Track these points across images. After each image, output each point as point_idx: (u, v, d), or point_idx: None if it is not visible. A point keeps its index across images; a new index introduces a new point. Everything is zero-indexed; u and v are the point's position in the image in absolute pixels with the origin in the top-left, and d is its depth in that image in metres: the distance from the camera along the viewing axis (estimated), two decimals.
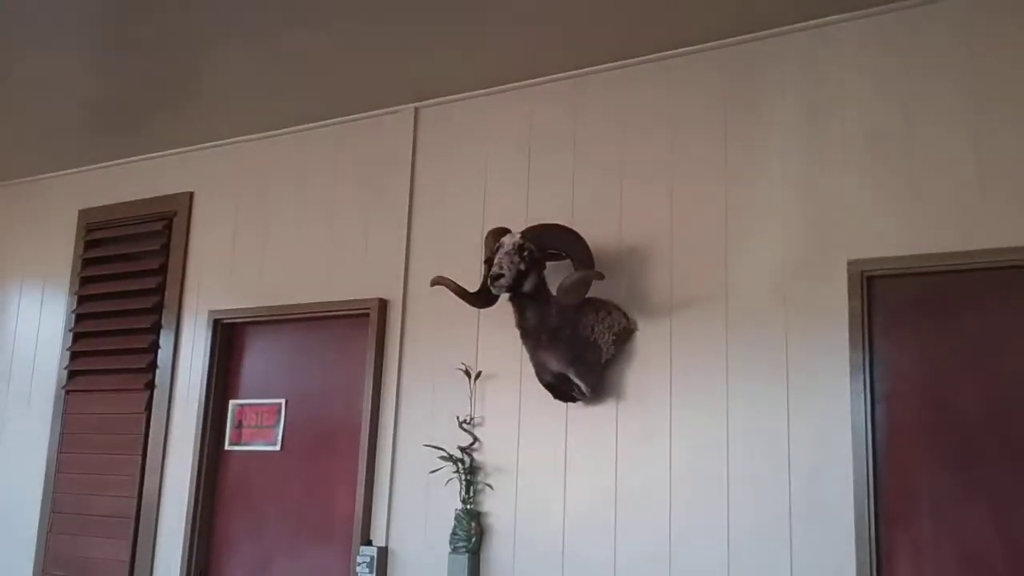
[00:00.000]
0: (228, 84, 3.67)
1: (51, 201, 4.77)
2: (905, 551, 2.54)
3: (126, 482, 4.06)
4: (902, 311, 2.67)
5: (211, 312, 4.00)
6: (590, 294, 2.97)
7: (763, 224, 2.90)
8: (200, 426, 3.88)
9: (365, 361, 3.52)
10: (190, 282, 4.16)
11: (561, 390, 3.03)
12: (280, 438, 3.75)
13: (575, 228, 2.98)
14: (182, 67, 3.53)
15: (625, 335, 3.01)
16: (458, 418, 3.27)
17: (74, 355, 4.42)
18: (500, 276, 2.80)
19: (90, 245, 4.52)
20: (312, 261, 3.81)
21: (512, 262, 2.83)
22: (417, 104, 3.70)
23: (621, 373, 3.03)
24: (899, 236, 2.69)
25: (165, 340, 4.13)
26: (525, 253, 2.85)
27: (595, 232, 3.07)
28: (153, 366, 4.12)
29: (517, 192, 3.38)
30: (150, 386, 4.10)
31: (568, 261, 2.95)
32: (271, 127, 4.04)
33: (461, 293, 2.96)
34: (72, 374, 4.40)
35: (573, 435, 3.08)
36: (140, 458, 4.04)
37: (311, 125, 3.96)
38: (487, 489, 3.18)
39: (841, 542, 2.58)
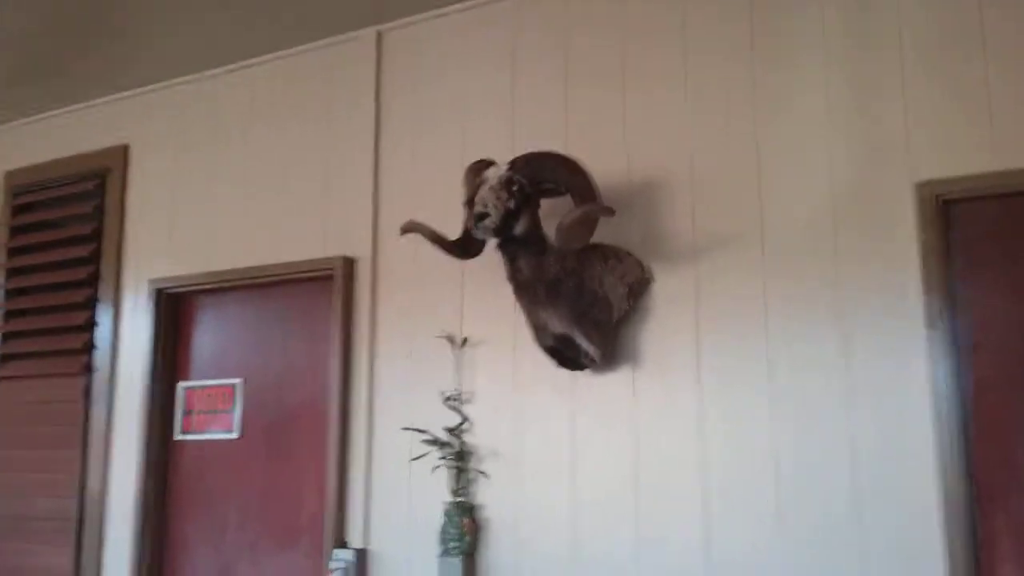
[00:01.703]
0: (162, 16, 3.11)
1: None
2: (1008, 536, 2.04)
3: (65, 480, 3.52)
4: (988, 242, 2.15)
5: (151, 281, 3.44)
6: (596, 239, 2.43)
7: (804, 145, 2.37)
8: (146, 413, 3.34)
9: (330, 331, 2.98)
10: (128, 248, 3.60)
11: (565, 355, 2.51)
12: (238, 424, 3.22)
13: (583, 165, 2.42)
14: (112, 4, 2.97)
15: (640, 287, 2.48)
16: (442, 394, 2.73)
17: (5, 337, 3.85)
18: (485, 216, 2.26)
19: (18, 211, 3.95)
20: (265, 217, 3.26)
21: (499, 199, 2.28)
22: (380, 27, 3.13)
23: (637, 333, 2.50)
24: (980, 149, 2.16)
25: (104, 316, 3.57)
26: (514, 188, 2.30)
27: (598, 166, 2.51)
28: (90, 346, 3.58)
29: (501, 124, 2.83)
30: (88, 369, 3.56)
31: (567, 198, 2.40)
32: (212, 64, 3.47)
33: (439, 241, 2.41)
34: (4, 359, 3.84)
35: (581, 409, 2.56)
36: (80, 452, 3.50)
37: (258, 59, 3.40)
38: (481, 478, 2.66)
39: (924, 527, 2.08)
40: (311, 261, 3.08)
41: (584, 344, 2.42)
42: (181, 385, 3.37)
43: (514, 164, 2.34)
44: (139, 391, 3.39)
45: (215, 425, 3.26)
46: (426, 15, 3.04)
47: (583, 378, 2.56)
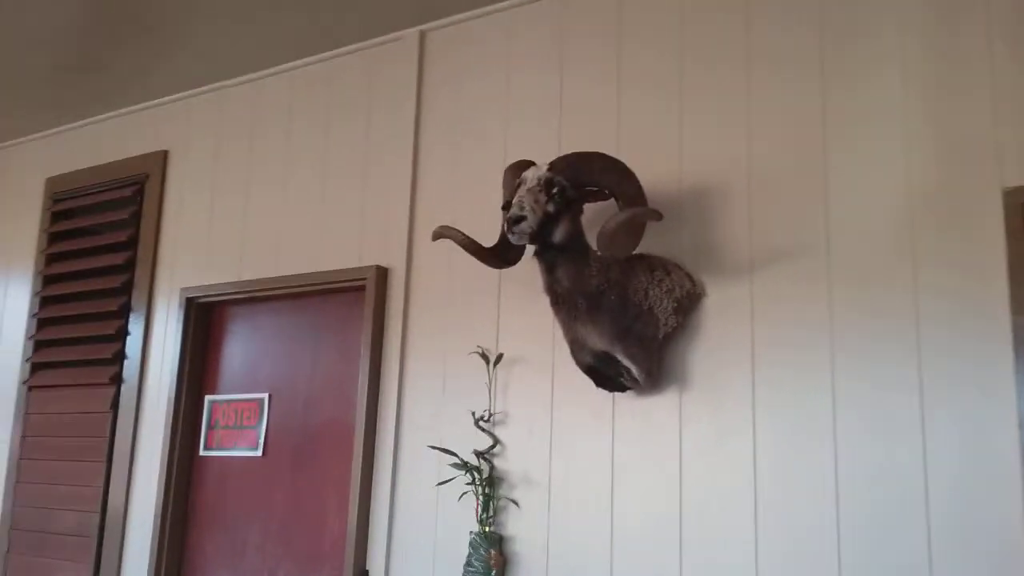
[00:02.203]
0: (203, 18, 3.03)
1: (16, 171, 4.16)
2: None
3: (90, 494, 3.41)
4: None
5: (183, 290, 3.32)
6: (642, 249, 2.23)
7: (877, 146, 2.13)
8: (170, 427, 3.21)
9: (360, 345, 2.81)
10: (163, 256, 3.50)
11: (605, 375, 2.29)
12: (262, 441, 3.06)
13: (629, 167, 2.22)
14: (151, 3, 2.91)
15: (690, 302, 2.26)
16: (474, 415, 2.54)
17: (38, 345, 3.78)
18: (521, 219, 2.07)
19: (57, 218, 3.89)
20: (302, 225, 3.12)
21: (537, 201, 2.09)
22: (423, 27, 2.98)
23: (685, 352, 2.28)
24: None
25: (136, 325, 3.46)
26: (554, 190, 2.11)
27: (648, 171, 2.32)
28: (120, 356, 3.47)
29: (546, 128, 2.66)
30: (116, 380, 3.45)
31: (612, 204, 2.20)
32: (253, 67, 3.38)
33: (472, 248, 2.23)
34: (36, 367, 3.76)
35: (623, 435, 2.34)
36: (105, 466, 3.38)
37: (300, 62, 3.28)
38: (511, 506, 2.45)
39: (1009, 571, 1.81)
40: (343, 271, 2.92)
41: (626, 363, 2.21)
42: (208, 398, 3.23)
43: (555, 164, 2.15)
44: (165, 403, 3.26)
45: (240, 441, 3.11)
46: (471, 13, 2.89)
47: (625, 401, 2.34)
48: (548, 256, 2.18)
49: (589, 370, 2.30)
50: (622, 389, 2.29)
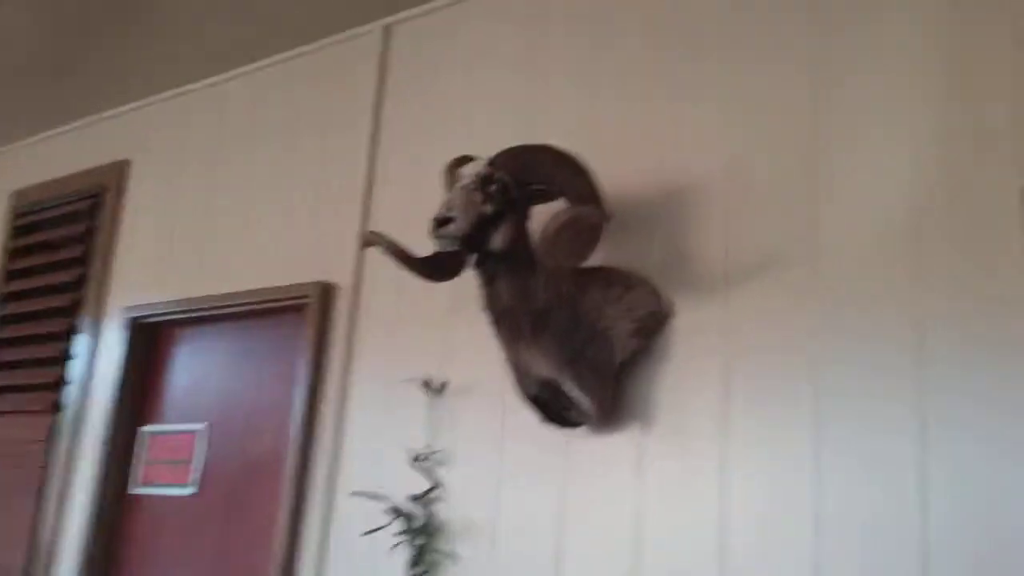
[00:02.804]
0: (167, 22, 2.84)
1: None
2: None
3: (19, 531, 3.11)
4: None
5: (126, 310, 3.06)
6: (601, 260, 1.92)
7: (875, 140, 1.80)
8: (102, 460, 2.92)
9: (296, 370, 2.51)
10: (115, 273, 3.24)
11: (552, 408, 1.96)
12: (196, 477, 2.75)
13: (584, 162, 1.90)
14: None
15: (654, 322, 1.93)
16: (410, 452, 2.21)
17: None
18: (448, 220, 1.76)
19: (18, 233, 3.66)
20: (258, 238, 2.85)
21: (471, 201, 1.78)
22: (388, 20, 2.72)
23: (648, 382, 1.94)
24: None
25: (82, 348, 3.19)
26: (493, 188, 1.80)
27: (622, 172, 2.03)
28: (62, 382, 3.19)
29: (515, 129, 2.33)
30: (56, 407, 3.17)
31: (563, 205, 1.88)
32: (216, 70, 3.14)
33: (401, 256, 1.92)
34: None
35: (577, 478, 2.00)
36: (35, 500, 3.09)
37: (263, 62, 3.04)
38: (448, 562, 2.10)
39: None
40: (286, 288, 2.63)
41: (575, 393, 1.87)
42: (143, 430, 2.94)
43: (496, 159, 1.85)
44: (100, 434, 2.98)
45: (173, 477, 2.81)
46: (437, 4, 2.62)
47: (579, 438, 2.00)
48: (487, 267, 1.87)
49: (534, 401, 1.96)
50: (572, 424, 1.96)
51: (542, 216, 1.85)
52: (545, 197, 1.87)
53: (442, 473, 2.18)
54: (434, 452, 2.20)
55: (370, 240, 1.95)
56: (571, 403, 1.91)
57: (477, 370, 2.21)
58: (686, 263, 1.96)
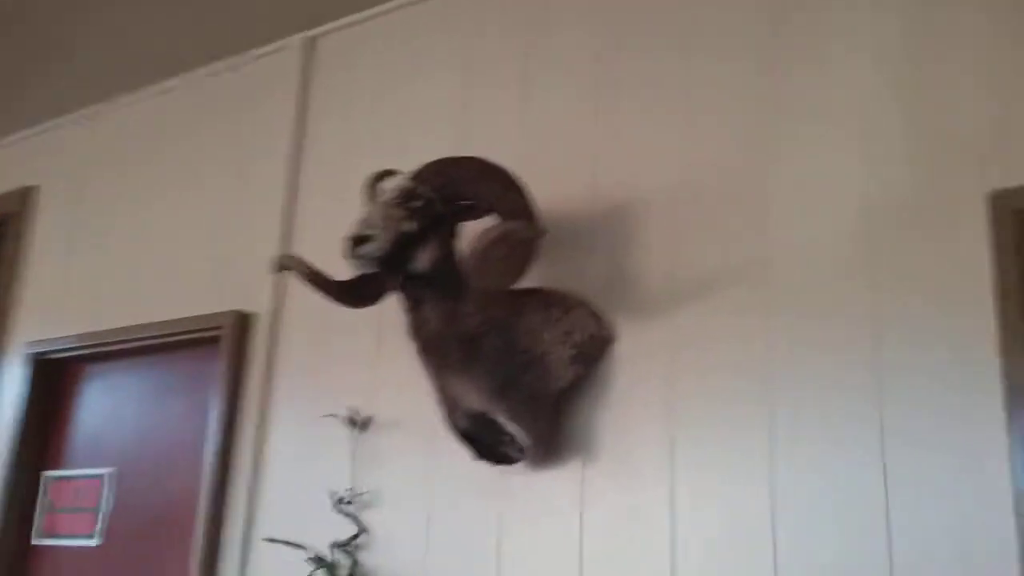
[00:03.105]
0: (76, 33, 2.62)
1: None
2: None
3: None
4: None
5: (27, 345, 2.81)
6: (537, 281, 1.77)
7: (830, 145, 1.69)
8: (2, 509, 2.65)
9: (209, 408, 2.30)
10: (18, 307, 2.99)
11: (485, 443, 1.79)
12: (100, 527, 2.51)
13: (514, 175, 1.75)
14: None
15: (595, 347, 1.78)
16: (334, 495, 2.02)
17: None
18: (365, 239, 1.59)
19: None
20: (161, 267, 2.64)
21: (390, 217, 1.62)
22: (311, 32, 2.56)
23: (589, 412, 1.79)
24: None
25: None
26: (415, 203, 1.64)
27: (559, 186, 1.91)
28: None
29: (449, 143, 2.17)
30: None
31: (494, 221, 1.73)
32: (127, 87, 2.93)
33: (317, 280, 1.73)
34: None
35: (514, 518, 1.83)
36: None
37: (176, 80, 2.84)
38: None
39: None
40: (200, 318, 2.43)
41: (510, 426, 1.71)
42: (46, 475, 2.69)
43: (419, 173, 1.69)
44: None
45: (77, 527, 2.56)
46: (367, 13, 2.46)
47: (516, 475, 1.83)
48: (412, 290, 1.71)
49: (464, 436, 1.80)
50: (507, 460, 1.79)
51: (471, 234, 1.70)
52: (474, 213, 1.72)
53: (368, 517, 2.00)
54: (359, 494, 2.01)
55: (283, 264, 1.77)
56: (506, 437, 1.75)
57: (405, 403, 2.04)
58: (628, 283, 1.82)
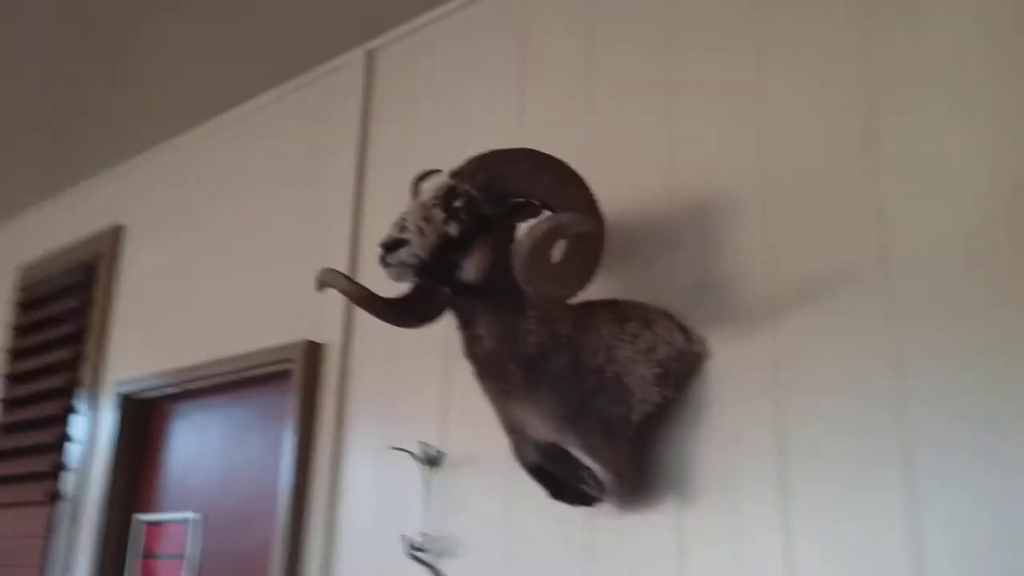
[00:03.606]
0: (149, 69, 2.58)
1: None
2: None
3: None
4: None
5: (117, 384, 2.76)
6: (609, 292, 1.51)
7: (945, 133, 1.35)
8: (94, 555, 2.59)
9: (282, 447, 2.14)
10: (111, 348, 2.96)
11: (558, 481, 1.53)
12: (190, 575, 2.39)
13: (571, 167, 1.49)
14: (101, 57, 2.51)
15: (684, 366, 1.50)
16: (406, 540, 1.80)
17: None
18: (399, 243, 1.38)
19: (23, 309, 3.43)
20: (242, 298, 2.52)
21: (429, 219, 1.40)
22: (370, 44, 2.40)
23: (683, 440, 1.50)
24: None
25: (80, 431, 2.90)
26: (457, 203, 1.41)
27: (631, 189, 1.67)
28: (59, 469, 2.90)
29: (510, 144, 1.95)
30: (53, 497, 2.87)
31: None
32: (203, 118, 2.86)
33: (361, 297, 1.52)
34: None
35: (600, 570, 1.55)
36: None
37: (247, 106, 2.75)
38: None
39: None
40: (270, 350, 2.28)
41: (588, 461, 1.45)
42: (138, 518, 2.61)
43: (462, 170, 1.46)
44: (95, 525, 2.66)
45: (166, 574, 2.45)
46: (424, 19, 2.28)
47: (602, 517, 1.57)
48: (463, 304, 1.48)
49: (535, 472, 1.55)
50: (588, 502, 1.53)
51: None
52: (527, 213, 1.48)
53: (446, 565, 1.77)
54: (435, 539, 1.78)
55: (322, 280, 1.57)
56: (584, 473, 1.48)
57: (480, 437, 1.80)
58: (719, 290, 1.53)
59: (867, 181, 1.42)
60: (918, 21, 1.42)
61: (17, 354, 3.33)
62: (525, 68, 2.02)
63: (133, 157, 3.11)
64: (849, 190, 1.43)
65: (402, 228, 1.39)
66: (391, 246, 1.37)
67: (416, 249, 1.37)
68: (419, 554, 1.79)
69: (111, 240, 3.08)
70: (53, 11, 2.30)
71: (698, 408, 1.50)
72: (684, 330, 1.52)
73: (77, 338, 3.06)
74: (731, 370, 1.49)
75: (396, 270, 1.38)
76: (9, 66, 2.56)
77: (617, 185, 1.69)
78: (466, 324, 1.48)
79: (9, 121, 2.89)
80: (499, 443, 1.68)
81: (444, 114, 2.15)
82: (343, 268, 2.19)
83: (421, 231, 1.38)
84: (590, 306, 1.53)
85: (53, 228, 3.43)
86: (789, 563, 1.34)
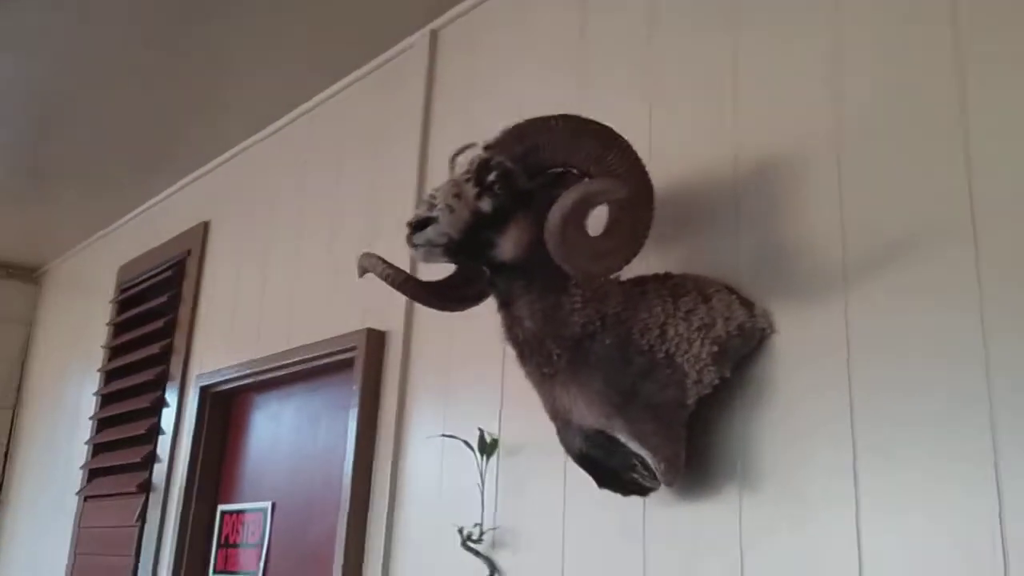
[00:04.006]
0: (230, 74, 2.64)
1: (95, 264, 3.92)
2: None
3: None
4: None
5: (198, 378, 2.80)
6: (666, 266, 1.41)
7: None
8: (175, 547, 2.64)
9: (347, 435, 2.11)
10: (197, 341, 3.01)
11: (607, 469, 1.43)
12: (262, 565, 2.40)
13: (615, 132, 1.38)
14: (190, 69, 2.62)
15: (744, 343, 1.38)
16: (461, 532, 1.74)
17: (96, 450, 3.40)
18: (427, 221, 1.31)
19: (121, 307, 3.55)
20: (312, 289, 2.52)
21: (460, 195, 1.33)
22: (434, 25, 2.34)
23: (744, 427, 1.39)
24: None
25: (169, 423, 2.97)
26: (491, 177, 1.33)
27: (691, 154, 1.56)
28: (151, 460, 2.98)
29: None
30: (145, 488, 2.95)
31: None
32: (279, 113, 2.87)
33: (398, 281, 1.46)
34: (93, 474, 3.37)
35: (658, 561, 1.45)
36: None
37: (317, 98, 2.74)
38: None
39: None
40: (335, 339, 2.26)
41: (635, 447, 1.34)
42: (220, 508, 2.64)
43: (497, 142, 1.38)
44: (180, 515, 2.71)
45: (244, 564, 2.47)
46: None
47: (658, 507, 1.46)
48: (501, 283, 1.40)
49: (582, 460, 1.45)
50: (640, 491, 1.42)
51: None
52: (570, 183, 1.37)
53: (500, 556, 1.70)
54: (487, 529, 1.72)
55: (363, 266, 1.51)
56: (635, 461, 1.38)
57: (535, 424, 1.69)
58: (787, 260, 1.40)
59: (955, 131, 1.26)
60: None
61: (114, 351, 3.44)
62: (585, 43, 1.92)
63: (220, 155, 3.15)
64: (935, 141, 1.27)
65: (431, 206, 1.31)
66: (418, 225, 1.30)
67: (445, 227, 1.30)
68: (474, 545, 1.72)
69: (198, 236, 3.14)
70: (136, 33, 2.38)
71: (761, 388, 1.38)
72: (746, 303, 1.39)
73: (167, 333, 3.13)
74: (799, 346, 1.36)
75: (424, 250, 1.32)
76: (98, 84, 2.68)
77: (678, 150, 1.59)
78: (505, 305, 1.40)
79: (103, 133, 3.00)
80: (554, 430, 1.60)
81: (504, 92, 2.08)
82: (407, 253, 2.14)
83: (451, 208, 1.31)
84: (642, 281, 1.42)
85: (150, 229, 3.52)
86: (860, 558, 1.21)
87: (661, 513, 1.46)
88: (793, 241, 1.41)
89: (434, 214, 1.30)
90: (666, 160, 1.54)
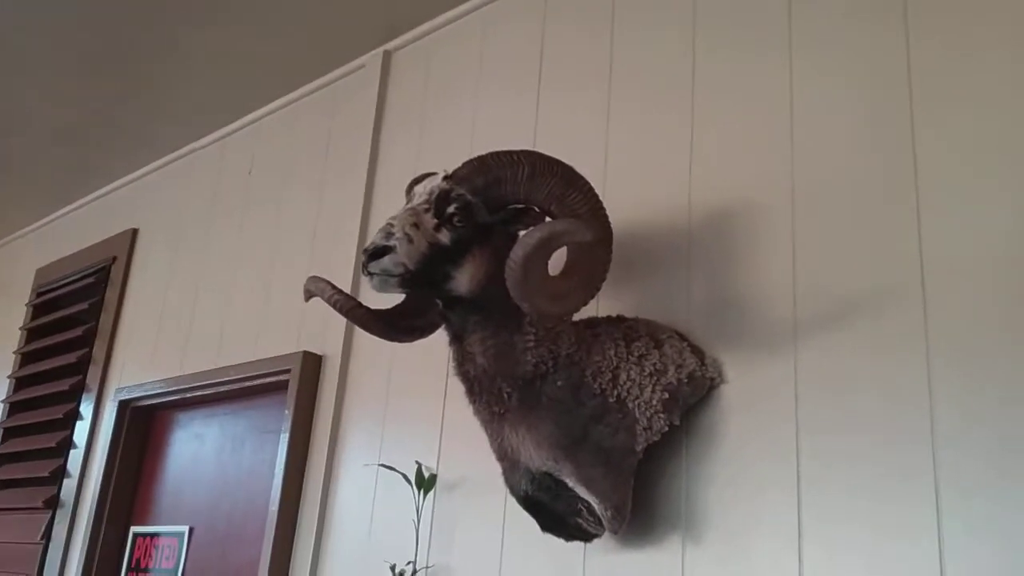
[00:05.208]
0: (168, 73, 2.53)
1: (12, 265, 3.75)
2: None
3: None
4: None
5: (117, 391, 2.68)
6: (616, 309, 1.39)
7: (993, 142, 1.22)
8: (81, 568, 2.51)
9: (275, 460, 2.04)
10: (117, 353, 2.89)
11: (552, 513, 1.41)
12: None
13: (575, 172, 1.37)
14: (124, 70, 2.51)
15: (694, 390, 1.37)
16: (394, 569, 1.69)
17: (0, 460, 3.22)
18: (383, 251, 1.27)
19: (37, 311, 3.39)
20: (247, 307, 2.44)
21: (418, 225, 1.29)
22: (388, 46, 2.31)
23: (690, 476, 1.38)
24: None
25: (82, 437, 2.83)
26: (451, 209, 1.30)
27: (648, 198, 1.56)
28: (60, 475, 2.83)
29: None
30: (52, 504, 2.80)
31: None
32: (220, 122, 2.79)
33: (347, 307, 1.42)
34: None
35: None
36: None
37: (262, 110, 2.68)
38: None
39: None
40: (269, 360, 2.19)
41: (582, 492, 1.32)
42: (134, 530, 2.52)
43: (457, 172, 1.35)
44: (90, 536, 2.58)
45: None
46: (440, 19, 2.19)
47: (599, 553, 1.44)
48: (454, 317, 1.36)
49: (527, 503, 1.42)
50: (583, 537, 1.40)
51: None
52: (528, 220, 1.36)
53: None
54: (423, 568, 1.67)
55: (310, 290, 1.46)
56: (580, 506, 1.35)
57: (476, 460, 1.67)
58: (738, 310, 1.41)
59: (905, 195, 1.28)
60: (958, 30, 1.29)
61: (27, 357, 3.28)
62: (542, 70, 1.92)
63: (151, 163, 3.06)
64: (886, 204, 1.30)
65: (388, 234, 1.28)
66: (374, 253, 1.26)
67: (401, 257, 1.26)
68: None
69: (126, 243, 3.02)
70: (77, 26, 2.26)
71: (709, 439, 1.38)
72: (697, 351, 1.39)
73: (86, 342, 3.00)
74: (747, 398, 1.36)
75: (378, 279, 1.27)
76: (32, 81, 2.56)
77: (633, 193, 1.59)
78: (457, 339, 1.37)
79: (33, 130, 2.88)
80: (496, 468, 1.56)
81: (458, 118, 2.06)
82: (349, 278, 2.10)
83: (409, 238, 1.27)
84: (595, 323, 1.41)
85: (75, 232, 3.38)
86: None
87: (602, 560, 1.44)
88: (745, 291, 1.41)
89: (391, 243, 1.27)
90: (620, 201, 1.53)
